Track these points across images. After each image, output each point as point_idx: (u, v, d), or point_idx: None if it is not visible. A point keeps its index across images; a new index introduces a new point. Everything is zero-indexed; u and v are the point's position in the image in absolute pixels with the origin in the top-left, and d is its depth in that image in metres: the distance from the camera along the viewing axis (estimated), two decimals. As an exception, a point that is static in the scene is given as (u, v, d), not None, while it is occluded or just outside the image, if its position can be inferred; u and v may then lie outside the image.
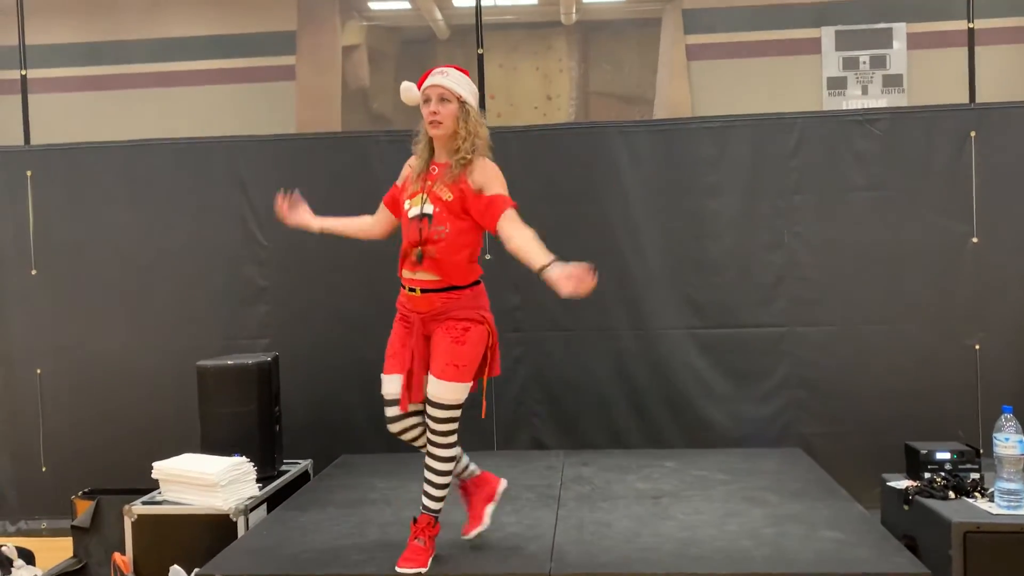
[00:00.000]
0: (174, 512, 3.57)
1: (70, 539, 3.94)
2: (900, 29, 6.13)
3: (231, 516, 3.50)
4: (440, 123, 2.88)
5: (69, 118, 5.62)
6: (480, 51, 4.76)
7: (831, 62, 6.15)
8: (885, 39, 6.14)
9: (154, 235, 4.73)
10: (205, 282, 4.70)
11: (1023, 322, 4.36)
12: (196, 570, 3.08)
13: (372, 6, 6.79)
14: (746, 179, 4.51)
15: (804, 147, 4.50)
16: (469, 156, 2.87)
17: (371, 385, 4.68)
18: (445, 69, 2.94)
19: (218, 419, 3.94)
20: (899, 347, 4.41)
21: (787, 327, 4.48)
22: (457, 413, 2.92)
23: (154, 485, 3.74)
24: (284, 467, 4.14)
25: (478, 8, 4.77)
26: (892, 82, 6.14)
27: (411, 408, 2.98)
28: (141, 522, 3.56)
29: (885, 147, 4.45)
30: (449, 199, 2.88)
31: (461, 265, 2.93)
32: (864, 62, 6.12)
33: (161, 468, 3.70)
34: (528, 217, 4.52)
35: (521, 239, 2.76)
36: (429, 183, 2.92)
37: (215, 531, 3.45)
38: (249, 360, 4.03)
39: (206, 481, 3.54)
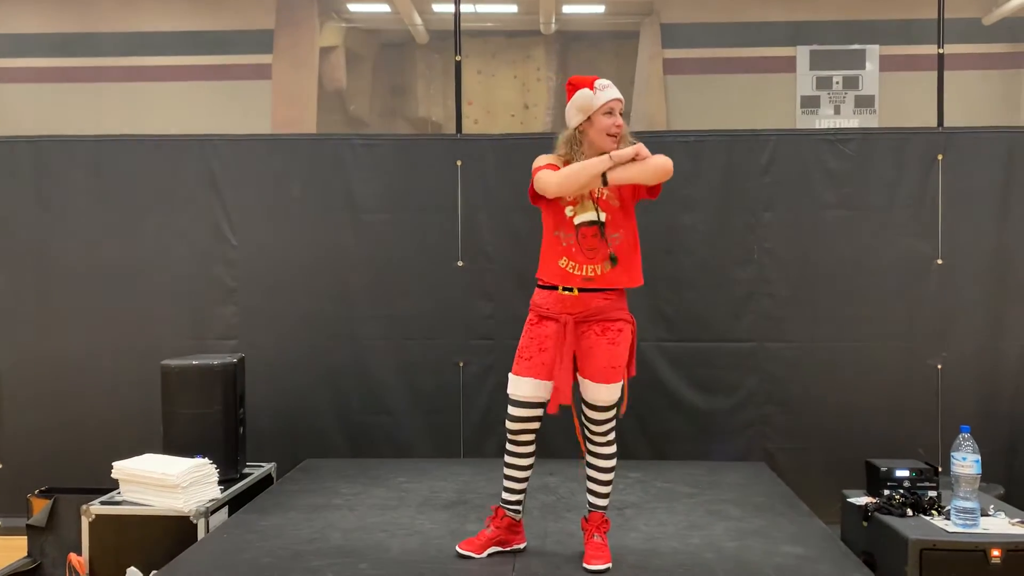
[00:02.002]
0: (133, 513, 3.51)
1: (25, 538, 3.86)
2: (873, 51, 6.24)
3: (191, 518, 3.45)
4: (620, 134, 2.96)
5: (36, 109, 5.53)
6: (458, 58, 4.76)
7: (805, 81, 6.24)
8: (858, 60, 6.25)
9: (121, 232, 4.66)
10: (173, 281, 4.64)
11: (984, 344, 4.45)
12: (154, 572, 3.04)
13: (351, 8, 6.76)
14: (718, 194, 4.55)
15: (776, 164, 4.55)
16: None
17: (338, 389, 4.70)
18: (608, 81, 2.99)
19: (181, 420, 3.89)
20: (863, 365, 4.47)
21: (755, 342, 4.53)
22: (615, 412, 2.99)
23: (113, 485, 3.68)
24: (247, 470, 4.09)
25: (457, 14, 4.76)
26: (864, 103, 6.24)
27: (536, 412, 3.01)
28: (99, 522, 3.50)
29: (855, 167, 4.52)
30: (617, 205, 2.97)
31: (638, 266, 3.02)
32: (837, 82, 6.22)
33: (121, 468, 3.64)
34: (503, 225, 4.60)
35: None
36: (592, 190, 2.94)
37: (174, 533, 3.40)
38: (214, 361, 3.99)
39: (167, 482, 3.49)
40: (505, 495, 3.10)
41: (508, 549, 3.09)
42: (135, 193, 4.66)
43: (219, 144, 4.68)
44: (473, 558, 3.02)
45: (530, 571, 2.93)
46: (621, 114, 2.97)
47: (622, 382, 2.98)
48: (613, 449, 3.03)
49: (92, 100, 5.88)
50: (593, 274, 2.93)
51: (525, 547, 3.12)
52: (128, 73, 6.01)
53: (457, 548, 3.05)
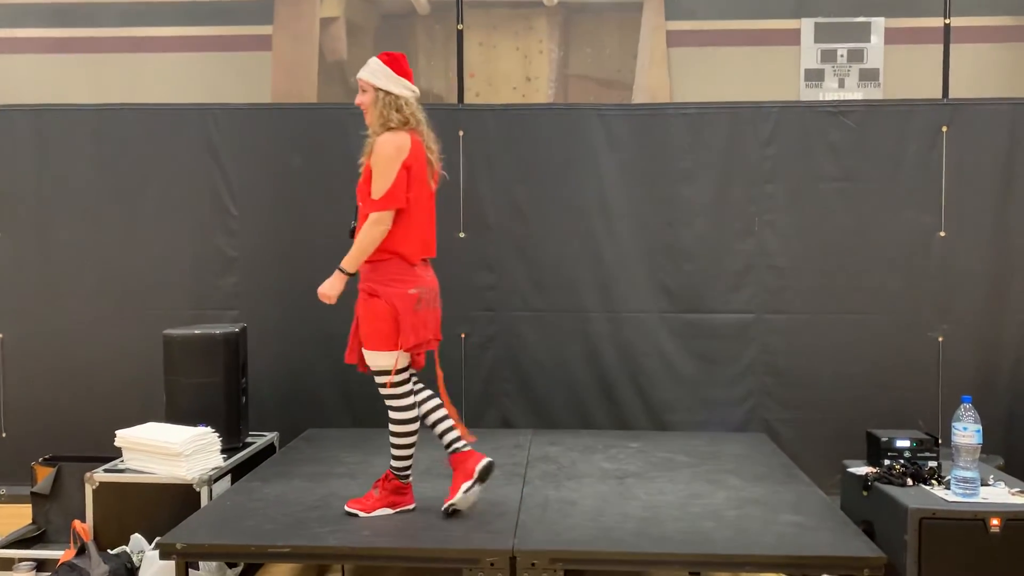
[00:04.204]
0: (136, 480, 3.54)
1: (29, 506, 3.89)
2: (878, 23, 6.17)
3: (194, 486, 3.47)
4: (365, 111, 3.22)
5: (35, 80, 5.49)
6: (460, 26, 4.72)
7: (809, 54, 6.18)
8: (863, 33, 6.18)
9: (122, 201, 4.66)
10: (174, 251, 4.64)
11: (986, 316, 4.45)
12: (157, 539, 3.06)
13: (352, -23, 6.68)
14: (720, 166, 4.54)
15: (779, 137, 4.53)
16: (376, 136, 3.17)
17: (339, 360, 4.67)
18: (372, 60, 3.21)
19: (183, 389, 3.91)
20: (864, 337, 4.48)
21: (755, 314, 4.53)
22: (391, 379, 3.15)
23: (117, 453, 3.71)
24: (250, 439, 4.12)
25: (459, -17, 4.72)
26: (868, 76, 6.18)
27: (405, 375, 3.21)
28: (103, 490, 3.52)
29: (858, 139, 4.50)
30: (361, 180, 3.20)
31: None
32: (842, 55, 6.16)
33: (124, 436, 3.66)
34: (504, 197, 4.58)
35: (357, 238, 3.13)
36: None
37: (178, 500, 3.43)
38: (216, 330, 3.99)
39: (170, 450, 3.51)
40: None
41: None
42: (135, 162, 4.66)
43: (219, 113, 4.67)
44: (461, 513, 3.13)
45: (531, 538, 2.95)
46: (363, 90, 3.18)
47: (375, 351, 3.12)
48: (394, 415, 3.18)
49: (92, 70, 5.84)
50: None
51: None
52: (128, 44, 5.96)
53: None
